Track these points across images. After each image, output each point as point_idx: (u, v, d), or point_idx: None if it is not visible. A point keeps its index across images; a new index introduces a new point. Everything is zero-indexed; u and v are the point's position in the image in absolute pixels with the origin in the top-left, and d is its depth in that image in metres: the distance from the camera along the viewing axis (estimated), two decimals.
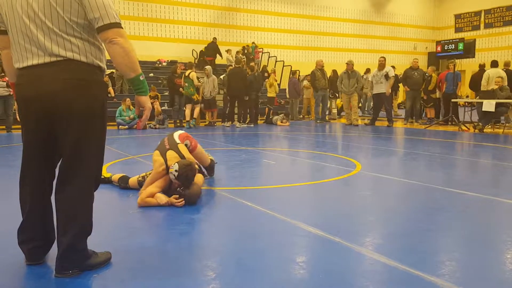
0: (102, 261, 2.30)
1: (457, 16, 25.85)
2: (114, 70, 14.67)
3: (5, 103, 9.94)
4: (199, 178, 3.76)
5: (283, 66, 19.74)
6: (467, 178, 5.10)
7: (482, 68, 11.88)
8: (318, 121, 13.31)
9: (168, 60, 18.63)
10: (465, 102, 13.02)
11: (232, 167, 5.47)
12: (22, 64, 2.09)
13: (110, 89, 13.97)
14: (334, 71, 14.82)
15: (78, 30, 2.06)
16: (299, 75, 15.69)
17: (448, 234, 2.91)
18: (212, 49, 18.52)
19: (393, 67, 13.47)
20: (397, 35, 26.59)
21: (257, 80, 12.46)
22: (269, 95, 15.28)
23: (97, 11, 2.01)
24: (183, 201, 3.46)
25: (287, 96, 14.91)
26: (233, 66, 13.01)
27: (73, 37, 2.06)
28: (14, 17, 2.06)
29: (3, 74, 9.81)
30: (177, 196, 3.50)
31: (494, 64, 11.07)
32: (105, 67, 2.23)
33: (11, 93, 9.79)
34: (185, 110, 11.41)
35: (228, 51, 18.74)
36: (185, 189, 3.49)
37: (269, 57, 20.37)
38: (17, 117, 2.20)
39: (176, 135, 4.05)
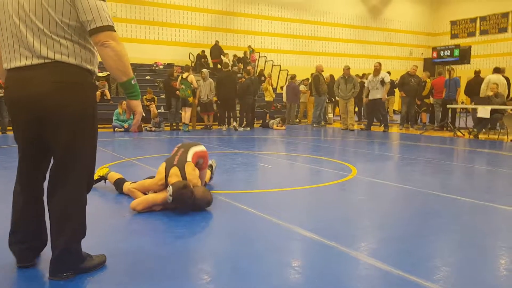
0: (97, 264, 2.28)
1: (453, 23, 26.02)
2: (109, 73, 14.65)
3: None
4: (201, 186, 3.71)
5: (280, 70, 19.79)
6: (462, 183, 5.12)
7: (477, 74, 11.95)
8: (314, 125, 13.36)
9: (164, 63, 18.63)
10: (460, 108, 13.08)
11: (228, 171, 5.46)
12: (10, 65, 2.07)
13: (106, 91, 13.96)
14: (331, 76, 14.88)
15: (69, 32, 2.03)
16: (295, 80, 15.73)
17: (443, 240, 2.92)
18: (216, 51, 18.59)
19: (389, 72, 13.54)
20: (393, 40, 26.73)
21: (253, 84, 12.47)
22: (266, 99, 15.33)
23: (90, 13, 1.99)
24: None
25: (284, 100, 14.93)
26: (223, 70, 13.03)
27: (64, 39, 2.03)
28: (4, 16, 2.04)
29: None
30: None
31: (497, 70, 11.15)
32: (96, 70, 2.21)
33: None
34: (181, 113, 11.40)
35: (225, 55, 18.77)
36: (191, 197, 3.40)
37: (265, 61, 20.41)
38: None
39: (192, 152, 3.76)
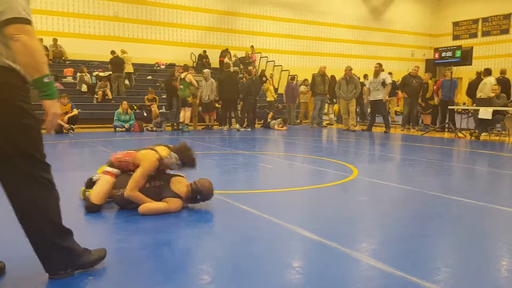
0: (95, 259, 2.24)
1: (455, 24, 26.00)
2: (110, 72, 14.68)
3: None
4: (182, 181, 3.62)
5: (281, 70, 19.79)
6: (463, 184, 5.12)
7: (479, 75, 11.94)
8: (311, 126, 13.40)
9: (166, 63, 18.65)
10: (461, 109, 13.07)
11: (229, 171, 5.46)
12: None
13: (108, 91, 13.98)
14: (333, 77, 14.89)
15: None
16: (297, 80, 15.74)
17: (444, 240, 2.91)
18: (225, 53, 18.70)
19: (390, 73, 13.53)
20: (395, 41, 26.71)
21: (255, 85, 12.48)
22: (268, 99, 15.34)
23: (1, 4, 1.84)
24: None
25: (284, 100, 14.93)
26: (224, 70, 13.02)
27: None
28: None
29: None
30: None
31: (488, 72, 11.22)
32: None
33: None
34: (181, 113, 11.36)
35: (227, 55, 18.76)
36: (196, 186, 3.48)
37: (267, 61, 20.41)
38: None
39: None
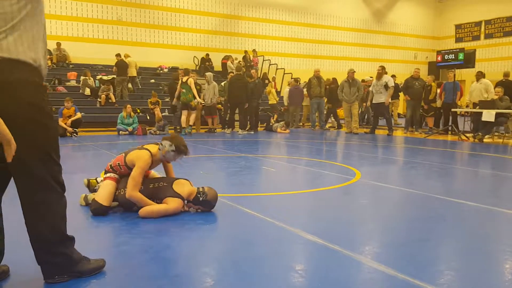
0: (93, 268, 2.22)
1: (458, 26, 25.94)
2: (114, 76, 14.73)
3: None
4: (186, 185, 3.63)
5: (284, 73, 19.80)
6: (466, 187, 5.10)
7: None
8: (314, 129, 13.41)
9: (169, 67, 18.70)
10: (465, 112, 13.05)
11: (232, 174, 5.47)
12: None
13: (111, 94, 14.03)
14: (334, 79, 14.88)
15: None
16: (299, 83, 15.75)
17: (447, 244, 2.90)
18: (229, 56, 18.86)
19: (394, 76, 13.51)
20: (398, 44, 26.69)
21: (257, 88, 12.50)
22: (270, 102, 15.34)
23: None
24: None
25: (285, 103, 14.90)
26: (234, 73, 13.03)
27: None
28: None
29: None
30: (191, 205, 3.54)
31: (482, 75, 11.45)
32: (41, 63, 1.97)
33: None
34: (182, 116, 11.40)
35: (229, 58, 18.81)
36: (201, 194, 3.50)
37: (269, 64, 20.43)
38: None
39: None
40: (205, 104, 12.03)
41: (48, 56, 12.26)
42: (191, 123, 11.33)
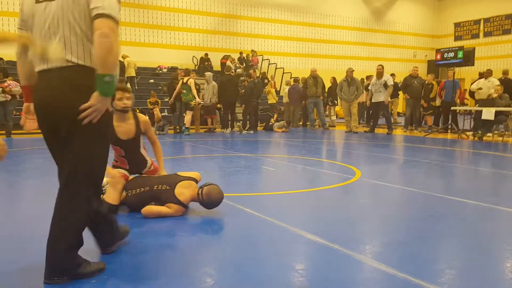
0: (94, 270, 2.24)
1: (457, 25, 25.95)
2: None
3: (4, 108, 9.90)
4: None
5: (283, 73, 19.79)
6: (466, 186, 5.10)
7: (481, 76, 11.93)
8: (312, 127, 13.42)
9: (168, 67, 18.68)
10: (464, 110, 13.05)
11: (232, 174, 5.46)
12: None
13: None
14: (334, 79, 14.86)
15: None
16: (299, 82, 15.73)
17: (448, 242, 2.90)
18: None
19: (393, 75, 13.50)
20: (397, 43, 26.69)
21: (257, 87, 12.48)
22: (269, 102, 15.33)
23: (96, 2, 2.03)
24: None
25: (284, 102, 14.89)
26: (224, 73, 13.03)
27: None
28: None
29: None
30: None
31: (481, 75, 11.50)
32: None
33: (8, 99, 9.78)
34: (185, 117, 11.41)
35: (228, 57, 18.79)
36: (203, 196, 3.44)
37: (269, 64, 20.42)
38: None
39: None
40: (204, 103, 12.02)
41: None
42: (188, 123, 11.28)
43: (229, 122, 12.44)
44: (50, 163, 2.35)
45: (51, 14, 2.07)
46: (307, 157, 7.22)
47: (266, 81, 17.29)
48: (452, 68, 11.63)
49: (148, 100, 13.34)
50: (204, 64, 18.74)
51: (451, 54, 11.33)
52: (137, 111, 12.16)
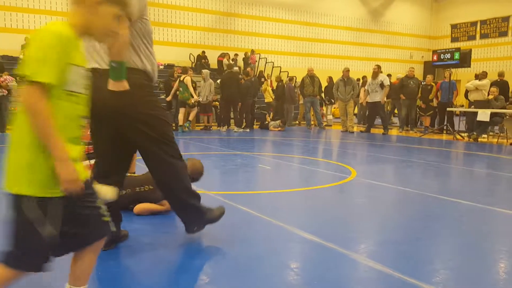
0: (218, 215, 2.77)
1: (453, 26, 26.05)
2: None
3: (0, 103, 9.84)
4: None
5: (280, 72, 19.78)
6: (461, 186, 5.12)
7: (477, 78, 11.98)
8: (308, 127, 13.43)
9: (165, 64, 18.62)
10: (459, 111, 13.11)
11: (227, 172, 5.46)
12: None
13: None
14: (330, 78, 14.85)
15: None
16: (295, 81, 15.74)
17: (443, 242, 2.91)
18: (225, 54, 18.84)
19: (389, 75, 13.52)
20: (394, 43, 26.76)
21: (253, 86, 12.47)
22: (266, 100, 15.31)
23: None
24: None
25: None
26: (226, 71, 13.02)
27: None
28: None
29: None
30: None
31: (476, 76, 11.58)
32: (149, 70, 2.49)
33: (5, 94, 9.72)
34: (189, 114, 11.42)
35: (225, 55, 18.77)
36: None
37: (266, 62, 20.41)
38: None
39: None
40: (201, 101, 12.00)
41: None
42: (190, 118, 11.36)
43: (229, 120, 12.43)
44: None
45: None
46: (303, 156, 7.22)
47: (262, 79, 17.28)
48: (449, 69, 11.67)
49: None
50: (201, 62, 18.70)
51: (448, 56, 11.36)
52: None
